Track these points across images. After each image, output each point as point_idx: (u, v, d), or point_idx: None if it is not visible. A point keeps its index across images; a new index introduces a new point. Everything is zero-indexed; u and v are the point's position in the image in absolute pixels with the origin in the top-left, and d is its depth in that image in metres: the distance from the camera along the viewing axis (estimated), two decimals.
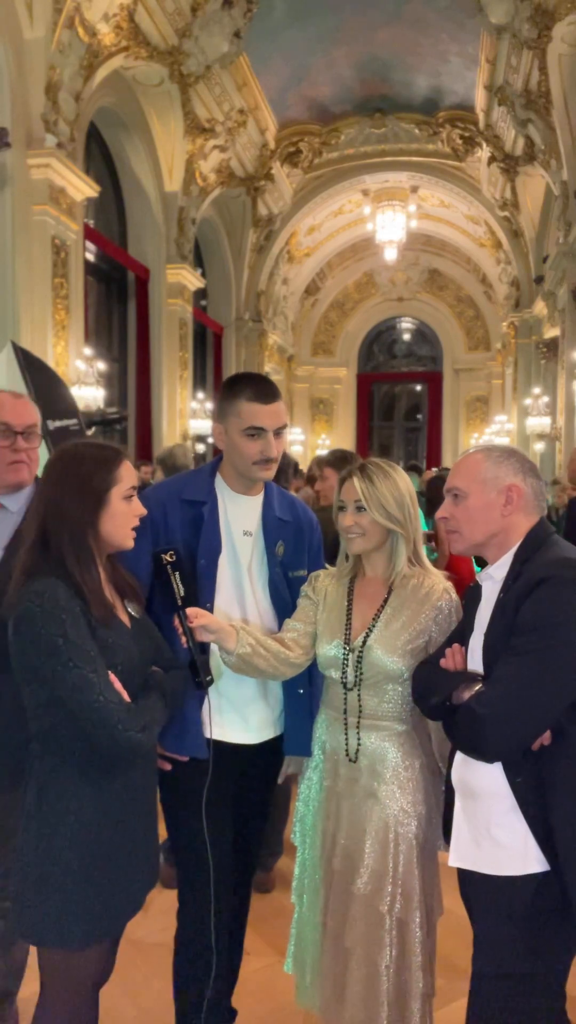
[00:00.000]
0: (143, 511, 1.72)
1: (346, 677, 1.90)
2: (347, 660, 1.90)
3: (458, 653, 1.70)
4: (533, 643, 1.49)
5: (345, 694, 1.91)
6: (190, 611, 1.76)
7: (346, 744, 1.91)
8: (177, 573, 1.76)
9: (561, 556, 1.57)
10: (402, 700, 1.88)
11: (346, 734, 1.91)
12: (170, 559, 1.76)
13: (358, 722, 1.90)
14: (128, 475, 1.66)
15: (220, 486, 2.04)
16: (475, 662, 1.66)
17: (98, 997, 1.75)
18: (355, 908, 1.84)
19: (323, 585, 2.01)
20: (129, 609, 1.73)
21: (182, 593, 1.76)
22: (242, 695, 2.00)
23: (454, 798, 1.70)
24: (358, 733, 1.90)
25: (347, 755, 1.91)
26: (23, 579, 1.57)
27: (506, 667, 1.51)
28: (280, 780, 2.19)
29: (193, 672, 1.76)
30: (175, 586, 1.76)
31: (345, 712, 1.91)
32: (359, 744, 1.90)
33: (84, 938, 1.58)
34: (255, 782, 2.13)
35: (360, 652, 1.88)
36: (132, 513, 1.67)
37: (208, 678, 1.77)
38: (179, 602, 1.76)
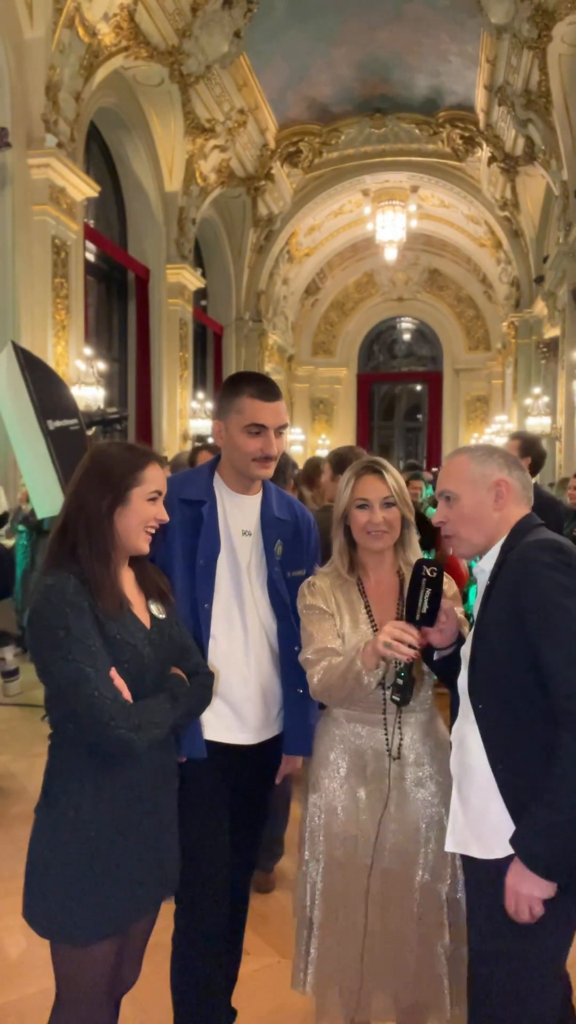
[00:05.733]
0: (165, 518, 1.69)
1: (385, 676, 1.84)
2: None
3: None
4: (543, 621, 1.50)
5: (384, 692, 1.87)
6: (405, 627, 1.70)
7: (387, 742, 1.90)
8: (429, 590, 1.70)
9: (537, 539, 1.59)
10: (426, 686, 1.93)
11: (387, 731, 1.91)
12: (431, 574, 1.70)
13: (397, 719, 1.90)
14: (154, 479, 1.66)
15: (219, 486, 2.04)
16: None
17: (117, 1010, 1.73)
18: (410, 899, 1.87)
19: (331, 595, 1.97)
20: (152, 609, 1.73)
21: (424, 610, 1.71)
22: (240, 695, 1.99)
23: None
24: (399, 729, 1.90)
25: (389, 752, 1.90)
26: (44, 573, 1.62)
27: (549, 653, 1.49)
28: (278, 780, 2.18)
29: (405, 688, 1.70)
30: (420, 601, 1.70)
31: (384, 710, 1.90)
32: (401, 739, 1.90)
33: (83, 934, 1.59)
34: (253, 782, 2.12)
35: None
36: (152, 516, 1.66)
37: (409, 695, 1.72)
38: (417, 616, 1.71)
